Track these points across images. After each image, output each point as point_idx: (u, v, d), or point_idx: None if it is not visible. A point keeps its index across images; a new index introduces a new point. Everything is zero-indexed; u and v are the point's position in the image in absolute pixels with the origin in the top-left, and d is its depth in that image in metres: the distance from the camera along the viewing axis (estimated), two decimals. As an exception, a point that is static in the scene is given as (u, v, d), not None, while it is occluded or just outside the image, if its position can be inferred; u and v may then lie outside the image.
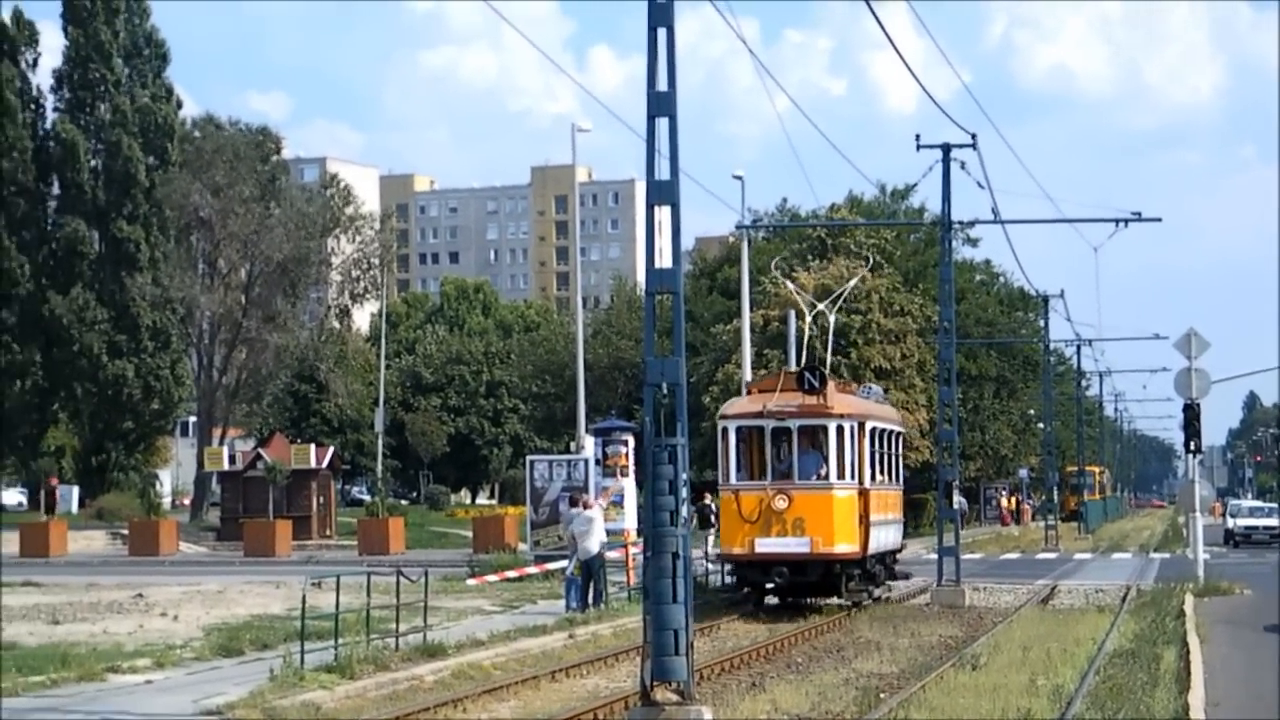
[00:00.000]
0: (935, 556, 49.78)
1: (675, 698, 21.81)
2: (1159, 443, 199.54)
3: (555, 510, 50.67)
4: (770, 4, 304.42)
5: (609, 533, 43.84)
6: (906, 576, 46.86)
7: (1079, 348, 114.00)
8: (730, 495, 32.12)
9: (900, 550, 45.12)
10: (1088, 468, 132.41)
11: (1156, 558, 75.39)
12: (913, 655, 33.49)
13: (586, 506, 42.93)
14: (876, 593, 41.04)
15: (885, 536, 40.08)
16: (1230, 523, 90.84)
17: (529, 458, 64.29)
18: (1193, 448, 53.62)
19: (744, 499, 33.44)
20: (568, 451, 66.43)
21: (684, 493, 23.38)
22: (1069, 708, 23.41)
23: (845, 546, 35.27)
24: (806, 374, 36.87)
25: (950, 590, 47.20)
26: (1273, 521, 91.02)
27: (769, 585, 37.58)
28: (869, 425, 38.29)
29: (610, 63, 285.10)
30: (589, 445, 57.52)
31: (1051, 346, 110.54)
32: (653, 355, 23.26)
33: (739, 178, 71.88)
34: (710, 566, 45.91)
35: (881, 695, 26.26)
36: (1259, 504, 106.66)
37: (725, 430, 34.40)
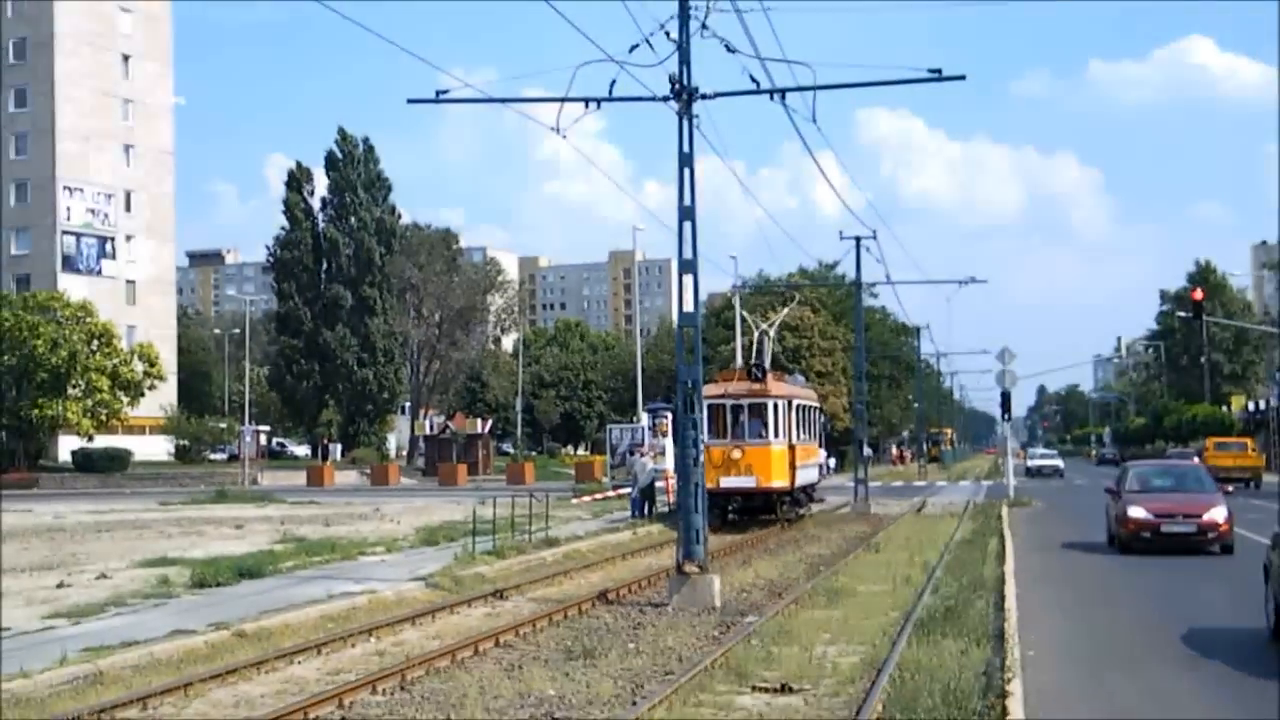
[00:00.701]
0: (853, 484, 61.48)
1: (696, 569, 26.92)
2: (987, 415, 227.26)
3: (624, 457, 66.81)
4: (751, 149, 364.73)
5: (655, 471, 53.27)
6: (822, 500, 58.89)
7: (939, 358, 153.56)
8: (706, 450, 31.97)
9: (818, 483, 56.25)
10: (943, 429, 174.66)
11: (985, 484, 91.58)
12: (840, 544, 41.34)
13: (643, 454, 57.01)
14: (801, 512, 51.06)
15: (808, 475, 50.70)
16: (1029, 463, 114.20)
17: (609, 426, 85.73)
18: (1006, 418, 78.56)
19: (713, 452, 40.41)
20: (632, 422, 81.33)
21: (700, 447, 30.13)
22: (933, 574, 29.64)
23: (779, 482, 45.11)
24: (754, 369, 47.30)
25: (861, 505, 58.42)
26: (1053, 461, 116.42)
27: (731, 508, 46.82)
28: (795, 402, 48.35)
29: (657, 188, 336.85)
30: (644, 418, 74.67)
31: (921, 357, 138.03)
32: (683, 364, 27.95)
33: (734, 258, 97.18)
34: None
35: (821, 568, 33.07)
36: (1045, 450, 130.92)
37: (703, 406, 32.52)
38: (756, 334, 57.65)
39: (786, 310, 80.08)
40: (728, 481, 43.64)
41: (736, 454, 43.86)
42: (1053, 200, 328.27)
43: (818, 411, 57.03)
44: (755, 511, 47.29)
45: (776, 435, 44.99)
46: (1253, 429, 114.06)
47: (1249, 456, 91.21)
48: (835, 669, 17.94)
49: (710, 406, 41.43)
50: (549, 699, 16.36)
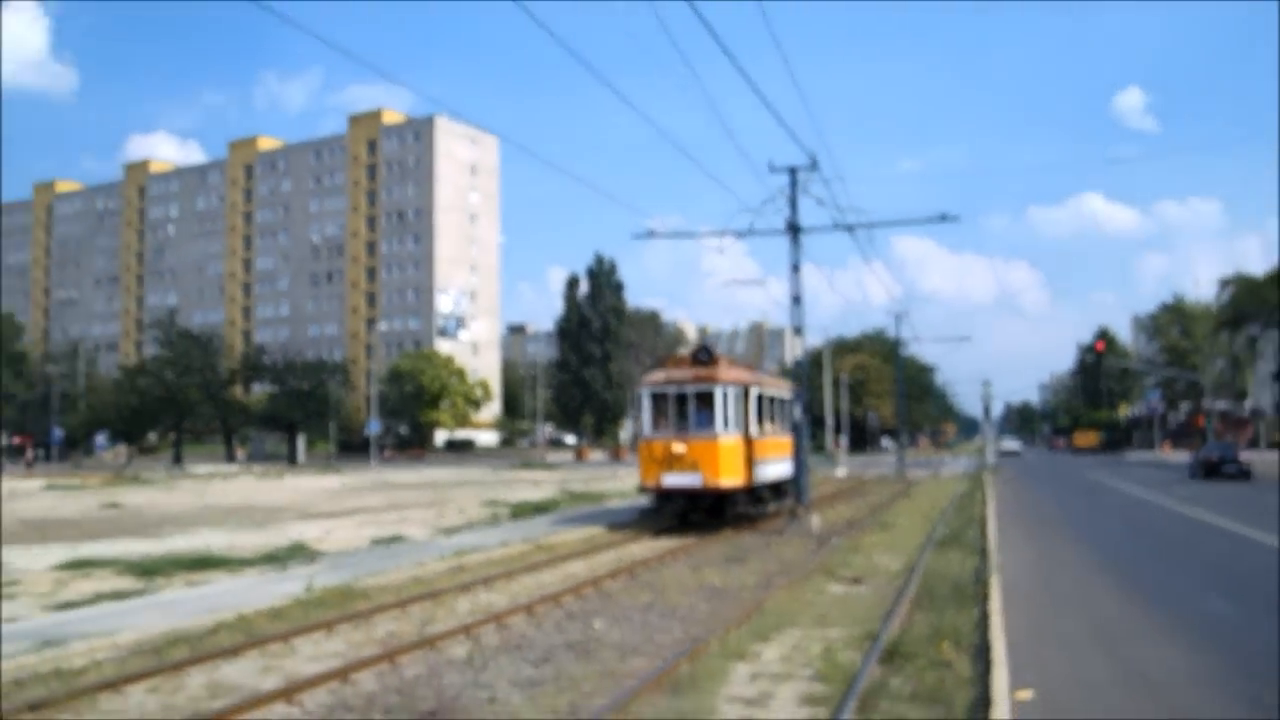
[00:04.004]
0: (895, 461, 60.31)
1: (803, 510, 26.45)
2: (974, 417, 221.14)
3: None
4: (831, 258, 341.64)
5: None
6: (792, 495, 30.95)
7: (945, 384, 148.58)
8: (645, 444, 24.83)
9: (792, 479, 29.03)
10: (947, 426, 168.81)
11: (974, 460, 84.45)
12: (886, 496, 38.07)
13: None
14: (766, 510, 28.55)
15: (774, 471, 28.12)
16: (1001, 447, 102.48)
17: None
18: (987, 419, 77.83)
19: (654, 446, 24.67)
20: None
21: (804, 441, 28.71)
22: (944, 513, 28.81)
23: (729, 480, 24.77)
24: (698, 353, 26.88)
25: (899, 473, 56.14)
26: (1015, 447, 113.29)
27: (673, 509, 26.14)
28: (755, 390, 26.71)
29: (776, 283, 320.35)
30: None
31: (935, 384, 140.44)
32: (801, 395, 27.78)
33: (825, 327, 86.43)
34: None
35: (877, 510, 31.39)
36: (1010, 440, 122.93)
37: (642, 395, 25.56)
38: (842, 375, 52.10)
39: (855, 356, 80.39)
40: (671, 479, 25.07)
41: (679, 448, 24.90)
42: (1011, 290, 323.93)
43: (790, 404, 31.23)
44: (705, 512, 26.36)
45: (726, 426, 25.24)
46: (1131, 426, 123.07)
47: (1092, 438, 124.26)
48: (886, 569, 17.56)
49: (653, 396, 25.68)
50: (715, 584, 16.19)
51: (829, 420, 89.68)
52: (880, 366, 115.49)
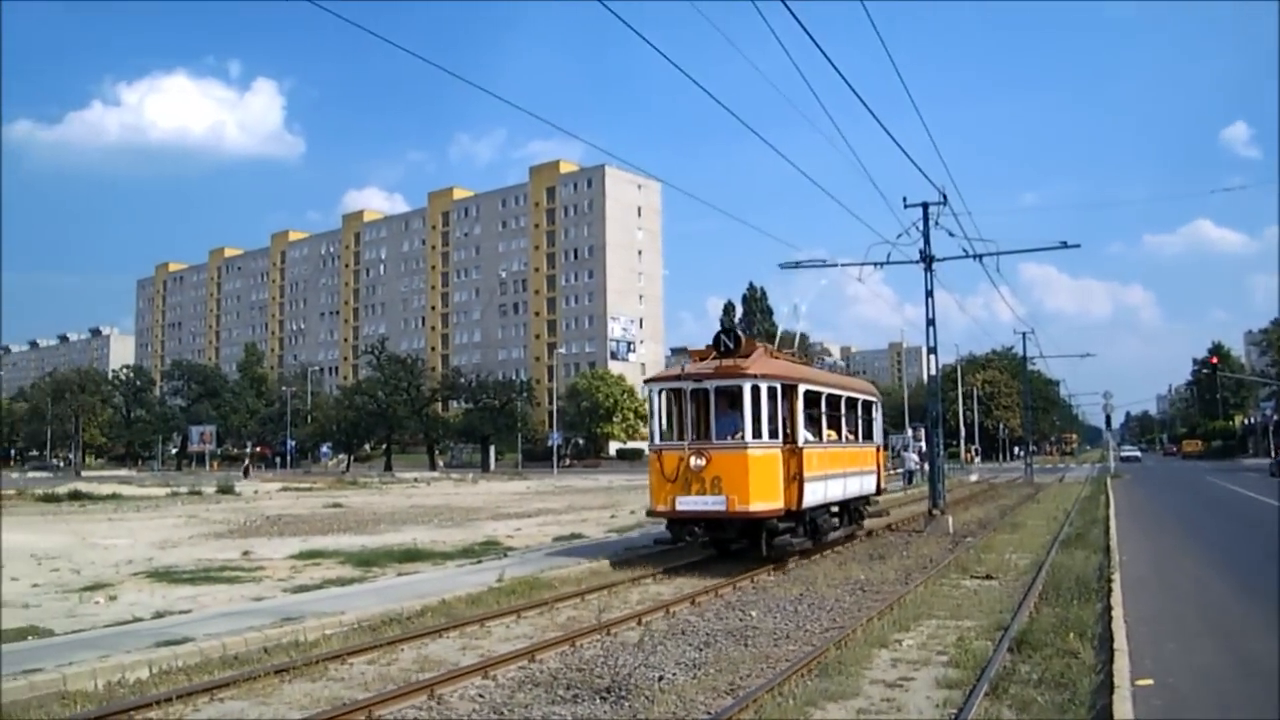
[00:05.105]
0: (1023, 467, 58.46)
1: (939, 512, 26.40)
2: (1096, 427, 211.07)
3: (899, 453, 58.66)
4: (962, 284, 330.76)
5: (914, 461, 50.96)
6: (882, 514, 24.13)
7: (1070, 396, 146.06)
8: (654, 456, 17.11)
9: (874, 496, 22.77)
10: (1070, 435, 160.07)
11: (1098, 466, 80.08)
12: (1015, 499, 36.75)
13: (907, 453, 53.53)
14: (830, 538, 19.53)
15: (835, 489, 19.25)
16: (1121, 454, 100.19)
17: (890, 436, 74.59)
18: (1108, 428, 74.57)
19: (665, 459, 16.72)
20: (902, 434, 72.17)
21: (938, 450, 28.71)
22: (1069, 514, 27.69)
23: (763, 504, 16.46)
24: (722, 336, 18.09)
25: (1027, 478, 54.59)
26: (1135, 454, 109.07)
27: (693, 537, 17.16)
28: (803, 388, 17.99)
29: (912, 309, 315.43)
30: (908, 432, 66.47)
31: (1061, 396, 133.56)
32: (930, 403, 28.02)
33: (956, 345, 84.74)
34: None
35: (1006, 512, 30.28)
36: (1130, 447, 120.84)
37: (651, 394, 18.04)
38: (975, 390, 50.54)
39: (985, 373, 78.13)
40: (686, 503, 16.65)
41: (698, 462, 16.63)
42: (1128, 308, 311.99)
43: (873, 409, 22.87)
44: (731, 544, 18.05)
45: (759, 433, 16.70)
46: (1246, 434, 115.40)
47: (1199, 446, 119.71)
48: (1016, 566, 17.06)
49: (665, 394, 17.78)
50: (860, 578, 15.94)
51: (962, 431, 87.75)
52: (1009, 381, 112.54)
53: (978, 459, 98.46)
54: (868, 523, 22.84)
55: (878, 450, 22.72)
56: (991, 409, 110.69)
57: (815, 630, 11.59)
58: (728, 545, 17.96)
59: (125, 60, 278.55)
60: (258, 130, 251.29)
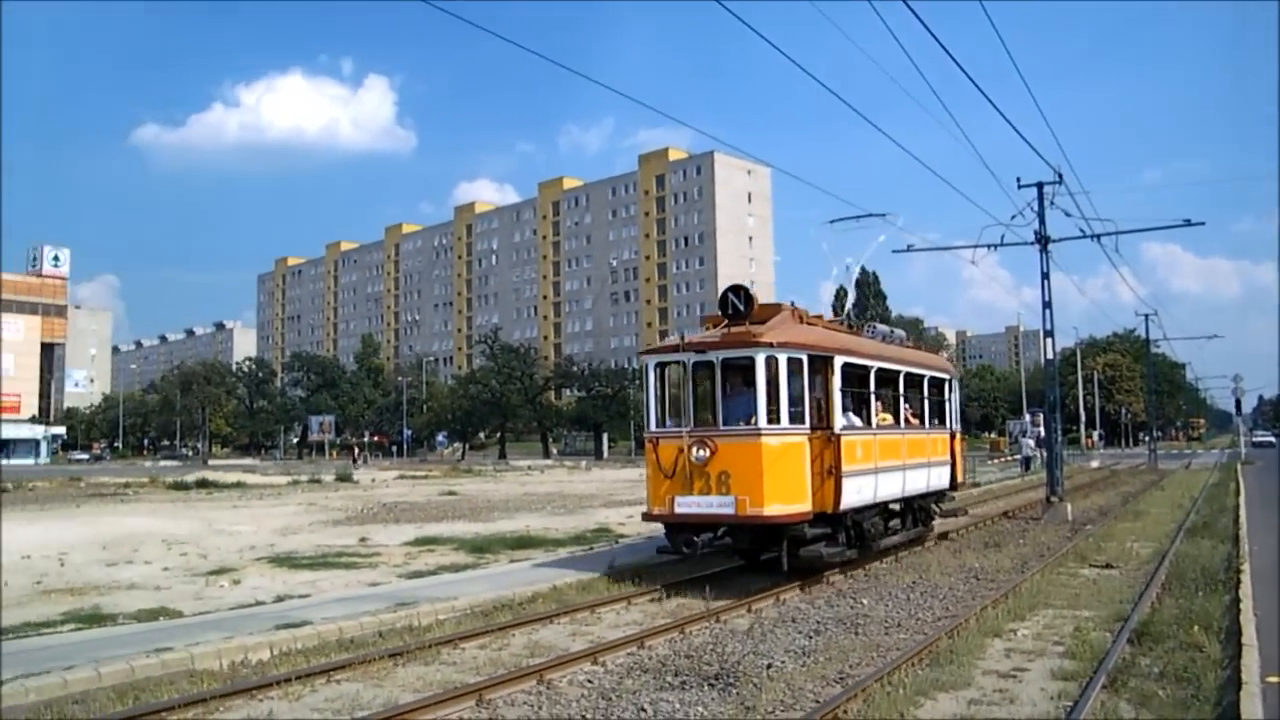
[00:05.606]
0: (1148, 453, 56.23)
1: (1057, 499, 25.15)
2: (1226, 411, 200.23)
3: (1017, 439, 58.86)
4: (1079, 265, 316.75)
5: (1031, 447, 49.20)
6: (956, 513, 20.39)
7: (1197, 379, 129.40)
8: (650, 445, 13.68)
9: (949, 491, 19.03)
10: (1198, 419, 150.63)
11: (1228, 451, 77.92)
12: (1138, 486, 36.12)
13: (1025, 438, 51.77)
14: (884, 544, 15.89)
15: (890, 485, 15.38)
16: (1253, 439, 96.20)
17: (1008, 421, 78.55)
18: (1239, 413, 68.38)
19: (662, 449, 13.33)
20: (1020, 419, 70.05)
21: (1056, 435, 28.05)
22: (1196, 502, 27.02)
23: (780, 507, 12.70)
24: (730, 294, 14.25)
25: (1151, 464, 53.28)
26: (1268, 438, 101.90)
27: (702, 545, 13.15)
28: (839, 360, 13.96)
29: (1029, 291, 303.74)
30: (1026, 418, 63.19)
31: (1187, 380, 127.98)
32: (1048, 388, 26.94)
33: (1075, 328, 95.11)
34: None
35: (1129, 500, 29.63)
36: (1263, 432, 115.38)
37: (647, 369, 14.02)
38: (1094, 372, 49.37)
39: (1106, 356, 76.00)
40: (687, 504, 12.92)
41: (700, 453, 12.84)
42: (1260, 288, 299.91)
43: (948, 387, 18.97)
44: (749, 553, 14.21)
45: (775, 417, 12.75)
46: None
47: None
48: (1137, 555, 16.60)
49: (661, 368, 13.98)
50: (975, 566, 15.68)
51: (1082, 416, 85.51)
52: (1131, 364, 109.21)
53: (1099, 445, 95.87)
54: (938, 524, 19.47)
55: (953, 437, 18.93)
56: (1113, 393, 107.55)
57: (927, 619, 11.45)
58: (756, 554, 14.27)
59: (242, 62, 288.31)
60: (370, 126, 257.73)
